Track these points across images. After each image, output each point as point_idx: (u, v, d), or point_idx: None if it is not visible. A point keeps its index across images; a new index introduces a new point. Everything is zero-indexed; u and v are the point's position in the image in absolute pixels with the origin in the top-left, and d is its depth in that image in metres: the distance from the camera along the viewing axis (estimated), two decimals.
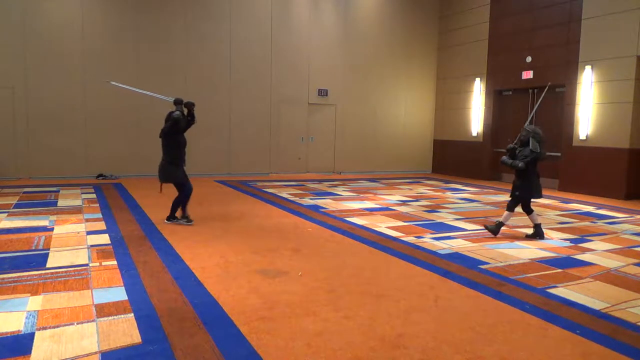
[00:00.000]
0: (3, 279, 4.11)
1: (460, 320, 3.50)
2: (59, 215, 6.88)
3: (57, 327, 3.18)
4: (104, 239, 5.62)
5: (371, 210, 8.16)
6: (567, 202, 9.66)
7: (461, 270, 4.75)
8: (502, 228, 6.37)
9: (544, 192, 10.28)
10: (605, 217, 8.10)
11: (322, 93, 13.93)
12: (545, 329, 3.39)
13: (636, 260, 5.28)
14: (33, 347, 2.89)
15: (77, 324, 3.24)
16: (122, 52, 11.65)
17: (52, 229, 6.02)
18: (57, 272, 4.32)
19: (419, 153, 15.49)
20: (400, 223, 7.06)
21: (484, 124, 13.82)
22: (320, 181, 12.32)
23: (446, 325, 3.40)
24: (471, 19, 14.08)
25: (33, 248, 5.15)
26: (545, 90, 8.00)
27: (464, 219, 7.53)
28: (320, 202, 8.93)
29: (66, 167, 11.30)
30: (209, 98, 12.60)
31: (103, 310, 3.48)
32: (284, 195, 9.68)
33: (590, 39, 10.82)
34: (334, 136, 14.31)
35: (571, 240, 6.19)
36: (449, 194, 10.59)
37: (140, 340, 3.02)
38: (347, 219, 7.29)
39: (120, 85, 8.13)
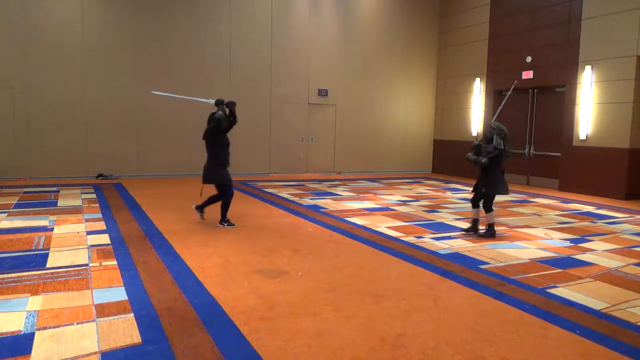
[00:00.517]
0: (3, 279, 4.11)
1: (460, 320, 3.50)
2: (59, 215, 6.88)
3: (57, 327, 3.18)
4: (104, 239, 5.62)
5: (371, 210, 8.15)
6: (567, 202, 9.66)
7: (461, 270, 4.75)
8: (500, 228, 6.36)
9: (545, 192, 10.25)
10: (605, 217, 8.10)
11: (322, 93, 13.93)
12: (545, 329, 3.39)
13: (636, 260, 5.28)
14: (33, 347, 2.89)
15: (77, 324, 3.24)
16: (122, 52, 11.64)
17: (52, 229, 6.02)
18: (57, 272, 4.32)
19: (419, 153, 15.48)
20: (400, 223, 7.06)
21: (484, 124, 13.81)
22: (320, 181, 12.32)
23: (446, 325, 3.40)
24: (471, 19, 14.08)
25: (33, 248, 5.15)
26: (512, 89, 7.98)
27: (464, 219, 7.52)
28: (320, 202, 8.92)
29: (66, 167, 11.30)
30: (209, 98, 12.58)
31: (103, 310, 3.48)
32: (284, 195, 9.68)
33: (590, 39, 10.82)
34: (334, 136, 14.31)
35: (571, 240, 6.19)
36: (449, 194, 10.59)
37: (140, 340, 3.02)
38: (347, 219, 7.29)
39: (162, 93, 8.14)
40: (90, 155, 11.53)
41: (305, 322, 3.39)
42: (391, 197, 9.70)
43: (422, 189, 11.23)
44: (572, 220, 7.67)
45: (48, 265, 4.54)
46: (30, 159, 11.03)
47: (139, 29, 11.75)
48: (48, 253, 4.95)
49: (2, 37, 10.59)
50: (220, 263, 4.76)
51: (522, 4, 12.52)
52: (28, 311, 3.42)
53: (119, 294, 3.82)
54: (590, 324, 3.50)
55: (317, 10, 13.75)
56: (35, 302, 3.59)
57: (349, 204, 8.77)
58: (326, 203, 8.79)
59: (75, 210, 7.38)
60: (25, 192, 8.98)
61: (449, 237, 6.18)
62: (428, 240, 5.97)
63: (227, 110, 6.71)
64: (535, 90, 12.53)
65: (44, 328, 3.16)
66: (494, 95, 13.50)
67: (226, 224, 6.51)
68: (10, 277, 4.15)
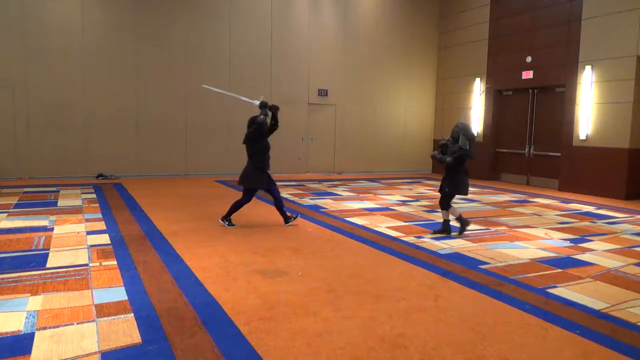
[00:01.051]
0: (3, 279, 4.11)
1: (460, 320, 3.50)
2: (59, 215, 6.88)
3: (57, 327, 3.18)
4: (104, 239, 5.62)
5: (371, 210, 8.16)
6: (567, 202, 9.66)
7: (461, 270, 4.75)
8: (500, 228, 6.37)
9: (545, 192, 10.25)
10: (605, 217, 8.10)
11: (322, 93, 13.93)
12: (545, 329, 3.39)
13: (636, 260, 5.28)
14: (33, 347, 2.89)
15: (77, 324, 3.24)
16: (122, 52, 11.64)
17: (52, 229, 6.02)
18: (57, 272, 4.32)
19: (419, 153, 15.48)
20: (400, 223, 7.06)
21: (484, 124, 13.82)
22: (320, 181, 12.32)
23: (446, 325, 3.40)
24: (471, 19, 14.08)
25: (33, 248, 5.15)
26: (482, 92, 7.95)
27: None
28: (320, 202, 8.93)
29: (66, 167, 11.30)
30: (209, 98, 12.59)
31: (103, 310, 3.48)
32: (284, 195, 9.68)
33: (590, 39, 10.82)
34: (334, 136, 14.31)
35: (571, 240, 6.19)
36: None
37: (140, 340, 3.02)
38: (347, 219, 7.29)
39: (212, 88, 8.11)
40: (90, 155, 11.53)
41: (305, 322, 3.39)
42: (391, 197, 9.70)
43: (422, 189, 11.23)
44: (572, 220, 7.67)
45: (48, 265, 4.54)
46: (30, 159, 11.04)
47: (139, 29, 11.75)
48: (48, 253, 4.95)
49: (2, 37, 10.59)
50: (220, 263, 4.76)
51: (522, 4, 12.52)
52: (28, 311, 3.42)
53: (119, 294, 3.82)
54: (590, 324, 3.50)
55: (317, 10, 13.75)
56: (35, 302, 3.59)
57: (349, 204, 8.77)
58: (326, 203, 8.79)
59: (75, 210, 7.38)
60: (25, 192, 8.98)
61: (449, 237, 6.18)
62: (428, 240, 5.97)
63: (270, 114, 6.73)
64: (535, 90, 12.53)
65: (44, 328, 3.16)
66: (494, 95, 13.50)
67: (227, 223, 6.51)
68: (10, 277, 4.15)
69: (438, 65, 15.47)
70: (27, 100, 10.89)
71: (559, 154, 11.65)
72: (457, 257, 5.21)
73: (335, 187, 11.25)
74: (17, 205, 7.62)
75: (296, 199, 9.25)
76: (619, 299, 4.02)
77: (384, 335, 3.20)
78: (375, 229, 6.61)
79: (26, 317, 3.31)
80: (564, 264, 5.07)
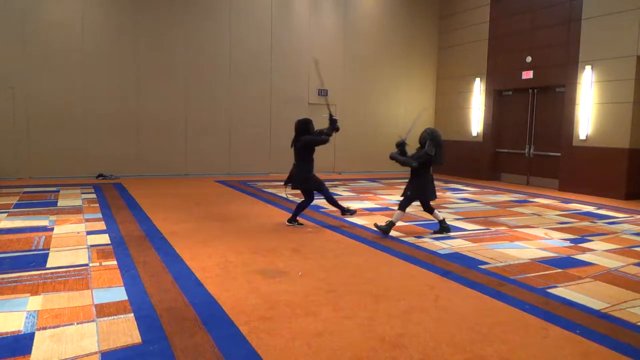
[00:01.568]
0: (3, 279, 4.11)
1: (460, 320, 3.50)
2: (59, 215, 6.88)
3: (57, 327, 3.18)
4: (104, 239, 5.62)
5: (371, 210, 8.15)
6: (567, 202, 9.66)
7: (461, 270, 4.75)
8: (500, 228, 6.37)
9: (546, 192, 10.26)
10: (605, 217, 8.10)
11: (322, 93, 13.92)
12: (545, 329, 3.39)
13: (636, 260, 5.28)
14: (33, 347, 2.89)
15: (77, 324, 3.24)
16: (122, 52, 11.65)
17: (52, 229, 6.02)
18: (57, 272, 4.32)
19: None
20: (400, 223, 7.06)
21: (484, 124, 13.82)
22: None
23: (446, 325, 3.40)
24: (471, 19, 14.08)
25: (33, 248, 5.15)
26: (419, 114, 7.77)
27: (464, 219, 7.53)
28: (320, 202, 8.92)
29: (66, 167, 11.30)
30: (209, 98, 12.61)
31: (103, 310, 3.48)
32: (284, 195, 9.68)
33: (590, 39, 10.82)
34: (334, 136, 14.28)
35: (571, 240, 6.19)
36: (449, 194, 10.59)
37: (140, 340, 3.02)
38: (347, 218, 7.28)
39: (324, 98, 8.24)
40: (90, 155, 11.53)
41: (305, 322, 3.39)
42: (391, 197, 9.70)
43: None
44: (572, 220, 7.67)
45: (48, 265, 4.54)
46: (30, 159, 11.04)
47: (139, 29, 11.75)
48: (48, 253, 4.95)
49: (2, 37, 10.59)
50: (220, 263, 4.76)
51: (522, 4, 12.52)
52: (28, 311, 3.42)
53: (119, 294, 3.82)
54: (590, 324, 3.50)
55: (317, 10, 13.75)
56: (35, 302, 3.59)
57: (349, 204, 8.75)
58: (326, 203, 8.77)
59: (75, 210, 7.38)
60: (25, 192, 8.98)
61: (449, 237, 6.18)
62: (428, 240, 5.97)
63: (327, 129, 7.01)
64: (535, 90, 12.54)
65: (44, 328, 3.15)
66: (494, 95, 13.51)
67: (295, 224, 6.70)
68: (10, 277, 4.15)
69: (438, 65, 15.47)
70: (27, 100, 10.89)
71: (559, 154, 11.65)
72: (457, 257, 5.21)
73: (335, 187, 11.25)
74: (17, 205, 7.62)
75: (296, 198, 9.24)
76: (619, 299, 4.02)
77: (384, 335, 3.20)
78: (375, 229, 6.60)
79: (26, 317, 3.31)
80: (564, 264, 5.07)
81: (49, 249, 5.09)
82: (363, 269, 4.74)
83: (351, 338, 3.15)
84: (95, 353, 2.84)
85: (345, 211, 7.00)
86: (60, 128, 11.20)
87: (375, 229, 6.31)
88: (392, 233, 6.34)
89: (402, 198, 6.42)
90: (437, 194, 10.48)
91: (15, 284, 3.99)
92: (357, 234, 6.29)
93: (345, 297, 3.90)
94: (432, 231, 6.47)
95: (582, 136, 11.01)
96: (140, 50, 11.80)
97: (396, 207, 8.46)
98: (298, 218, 6.81)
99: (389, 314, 3.58)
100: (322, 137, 6.73)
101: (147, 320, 3.32)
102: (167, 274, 4.35)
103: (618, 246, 5.94)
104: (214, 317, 3.41)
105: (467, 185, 12.33)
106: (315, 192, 6.85)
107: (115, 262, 4.68)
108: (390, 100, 14.96)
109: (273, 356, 2.87)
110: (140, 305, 3.58)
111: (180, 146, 12.43)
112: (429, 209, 6.45)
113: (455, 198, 9.91)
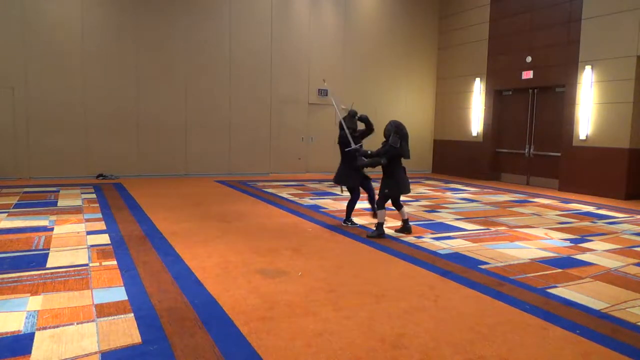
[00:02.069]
0: (3, 279, 4.10)
1: (460, 320, 3.50)
2: (59, 215, 6.88)
3: (57, 327, 3.18)
4: (104, 239, 5.62)
5: (369, 210, 8.13)
6: (567, 202, 9.66)
7: (461, 270, 4.75)
8: (500, 228, 6.36)
9: (545, 192, 10.27)
10: (605, 217, 8.10)
11: (322, 93, 13.93)
12: (545, 329, 3.39)
13: (636, 260, 5.28)
14: (33, 347, 2.89)
15: (77, 324, 3.24)
16: (122, 52, 11.64)
17: (52, 229, 6.02)
18: (57, 272, 4.32)
19: (419, 153, 15.44)
20: (400, 223, 7.05)
21: (484, 123, 13.82)
22: (320, 181, 12.32)
23: (446, 325, 3.40)
24: (471, 19, 14.08)
25: (33, 248, 5.15)
26: (350, 108, 7.59)
27: (464, 219, 7.53)
28: (320, 202, 8.93)
29: (66, 167, 11.30)
30: (209, 98, 12.61)
31: (103, 310, 3.48)
32: (284, 195, 9.69)
33: (590, 39, 10.82)
34: (334, 136, 14.29)
35: (571, 240, 6.19)
36: (449, 194, 10.59)
37: (140, 340, 3.02)
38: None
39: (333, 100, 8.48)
40: (90, 155, 11.53)
41: (305, 322, 3.39)
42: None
43: (422, 189, 11.23)
44: (572, 220, 7.67)
45: (48, 265, 4.54)
46: (30, 159, 11.03)
47: (139, 29, 11.75)
48: (48, 253, 4.95)
49: (2, 37, 10.59)
50: (220, 263, 4.76)
51: (522, 4, 12.52)
52: (28, 311, 3.42)
53: (119, 294, 3.82)
54: (590, 324, 3.50)
55: (317, 10, 13.75)
56: (35, 302, 3.59)
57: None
58: (326, 203, 8.79)
59: (75, 210, 7.38)
60: (25, 192, 8.98)
61: (449, 237, 6.18)
62: (428, 240, 5.97)
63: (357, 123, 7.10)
64: (535, 90, 12.54)
65: (44, 328, 3.16)
66: (494, 95, 13.51)
67: (350, 224, 6.75)
68: (10, 277, 4.15)
69: (438, 65, 15.47)
70: (27, 100, 10.89)
71: (559, 154, 11.65)
72: (457, 257, 5.21)
73: (335, 187, 11.25)
74: (17, 205, 7.62)
75: (296, 199, 9.25)
76: (619, 299, 4.02)
77: (384, 335, 3.20)
78: (369, 239, 6.59)
79: (26, 317, 3.31)
80: (564, 264, 5.07)
81: (49, 249, 5.09)
82: (363, 269, 4.74)
83: (351, 338, 3.15)
84: (95, 353, 2.84)
85: (347, 221, 6.88)
86: (60, 128, 11.20)
87: (369, 239, 6.20)
88: (392, 233, 6.33)
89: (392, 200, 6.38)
90: (437, 194, 10.55)
91: (15, 284, 3.99)
92: (357, 234, 6.29)
93: (345, 297, 3.90)
94: (398, 227, 6.43)
95: (582, 136, 11.01)
96: (140, 50, 11.80)
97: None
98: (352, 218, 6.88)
99: (389, 314, 3.58)
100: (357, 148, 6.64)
101: (147, 320, 3.32)
102: (167, 274, 4.35)
103: (618, 246, 5.94)
104: (214, 317, 3.41)
105: (467, 185, 12.33)
106: (362, 188, 6.90)
107: (115, 262, 4.68)
108: (390, 100, 14.95)
109: (273, 356, 2.87)
110: (140, 305, 3.57)
111: (180, 146, 12.43)
112: (398, 205, 6.38)
113: (455, 198, 9.91)
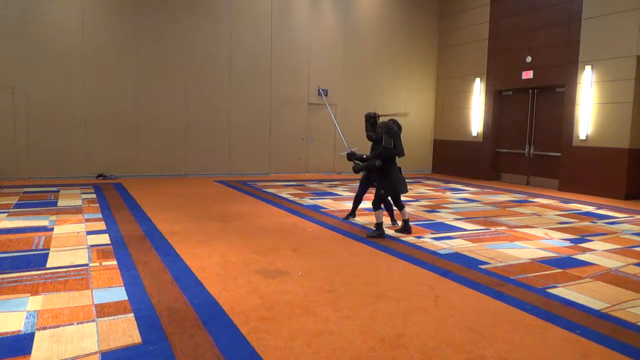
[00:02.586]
0: (3, 279, 4.10)
1: (460, 320, 3.50)
2: (59, 215, 6.88)
3: (57, 327, 3.18)
4: (104, 239, 5.62)
5: (371, 210, 8.13)
6: (567, 202, 9.66)
7: (461, 270, 4.75)
8: (500, 228, 6.36)
9: (545, 192, 10.26)
10: (605, 217, 8.10)
11: (322, 93, 13.90)
12: (545, 329, 3.39)
13: (636, 260, 5.28)
14: (33, 347, 2.89)
15: (77, 324, 3.24)
16: (122, 52, 11.64)
17: (52, 229, 6.02)
18: (57, 272, 4.32)
19: (419, 153, 15.47)
20: (400, 223, 7.05)
21: (484, 123, 13.82)
22: (320, 181, 12.32)
23: (446, 325, 3.40)
24: (471, 19, 14.08)
25: (33, 248, 5.15)
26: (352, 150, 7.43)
27: (464, 219, 7.53)
28: (320, 202, 8.93)
29: (66, 167, 11.30)
30: (209, 98, 12.61)
31: (103, 310, 3.48)
32: (284, 195, 9.69)
33: (590, 39, 10.82)
34: (334, 136, 14.30)
35: (571, 240, 6.19)
36: (449, 194, 10.59)
37: (140, 340, 3.02)
38: (351, 220, 7.28)
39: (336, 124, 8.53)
40: (90, 155, 11.53)
41: (305, 322, 3.39)
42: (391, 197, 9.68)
43: (422, 189, 11.23)
44: (572, 220, 7.67)
45: (48, 265, 4.54)
46: (30, 159, 11.03)
47: (139, 29, 11.74)
48: (48, 253, 4.95)
49: (2, 37, 10.58)
50: (220, 263, 4.76)
51: (522, 4, 12.52)
52: (28, 311, 3.42)
53: (119, 294, 3.82)
54: (590, 324, 3.50)
55: (317, 10, 13.75)
56: (35, 302, 3.59)
57: (349, 204, 8.75)
58: (326, 203, 8.79)
59: (75, 210, 7.38)
60: (25, 192, 8.98)
61: (449, 237, 6.18)
62: (428, 240, 5.97)
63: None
64: (535, 90, 12.54)
65: (44, 328, 3.15)
66: (494, 95, 13.51)
67: (395, 224, 6.84)
68: (10, 277, 4.15)
69: (438, 65, 15.48)
70: (27, 100, 10.89)
71: (559, 154, 11.65)
72: (457, 257, 5.21)
73: (335, 187, 11.25)
74: (17, 205, 7.61)
75: (296, 199, 9.25)
76: (619, 299, 4.02)
77: (384, 335, 3.20)
78: (370, 239, 6.59)
79: (26, 317, 3.31)
80: (564, 264, 5.07)
81: (49, 249, 5.09)
82: (363, 269, 4.74)
83: (351, 338, 3.15)
84: (95, 353, 2.84)
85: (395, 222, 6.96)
86: (60, 128, 11.20)
87: (369, 239, 6.19)
88: (392, 233, 6.34)
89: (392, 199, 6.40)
90: (437, 194, 10.55)
91: (15, 284, 3.99)
92: (356, 233, 6.29)
93: (345, 297, 3.90)
94: (397, 227, 6.49)
95: (582, 136, 11.01)
96: (140, 50, 11.80)
97: (396, 208, 8.46)
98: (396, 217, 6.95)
99: (389, 314, 3.58)
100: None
101: (147, 320, 3.32)
102: (167, 274, 4.35)
103: (618, 246, 5.94)
104: (214, 317, 3.41)
105: (467, 185, 12.33)
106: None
107: (115, 262, 4.68)
108: (390, 100, 14.93)
109: (273, 356, 2.87)
110: (140, 305, 3.57)
111: (180, 146, 12.43)
112: (400, 205, 6.39)
113: (455, 198, 9.91)
